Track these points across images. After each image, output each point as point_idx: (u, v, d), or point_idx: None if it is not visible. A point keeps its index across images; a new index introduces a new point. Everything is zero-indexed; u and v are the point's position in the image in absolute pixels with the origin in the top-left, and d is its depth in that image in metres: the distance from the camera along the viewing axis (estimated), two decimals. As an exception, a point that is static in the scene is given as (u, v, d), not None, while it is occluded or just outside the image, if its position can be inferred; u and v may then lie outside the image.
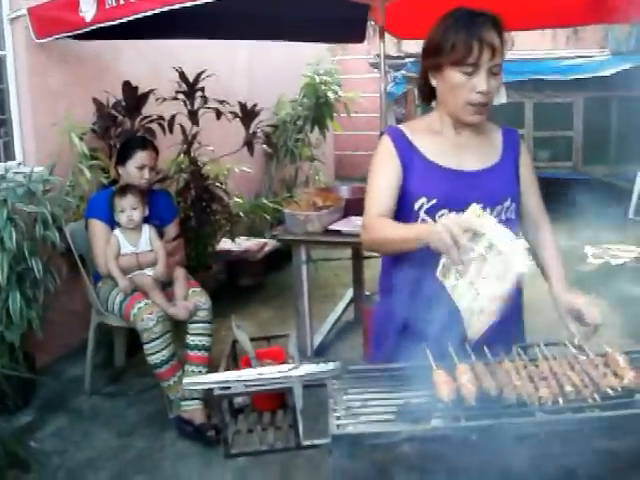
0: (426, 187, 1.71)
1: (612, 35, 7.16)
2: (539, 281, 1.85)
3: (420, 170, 1.75)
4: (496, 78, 1.68)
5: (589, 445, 1.31)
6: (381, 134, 1.85)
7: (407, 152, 1.77)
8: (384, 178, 1.77)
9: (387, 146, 1.79)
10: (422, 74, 1.79)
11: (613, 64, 6.85)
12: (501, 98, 7.31)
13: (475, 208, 1.47)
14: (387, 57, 5.26)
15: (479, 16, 1.66)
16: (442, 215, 1.68)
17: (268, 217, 5.47)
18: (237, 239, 5.02)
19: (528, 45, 7.02)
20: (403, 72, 7.23)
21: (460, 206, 1.64)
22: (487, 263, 1.42)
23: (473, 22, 1.64)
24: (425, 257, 1.55)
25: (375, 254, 1.88)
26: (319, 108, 6.29)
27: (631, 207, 6.94)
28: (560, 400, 1.34)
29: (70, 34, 3.56)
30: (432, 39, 1.73)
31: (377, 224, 1.71)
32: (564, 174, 7.67)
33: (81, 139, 3.77)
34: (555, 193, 6.76)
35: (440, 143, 1.79)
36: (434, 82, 1.75)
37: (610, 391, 1.36)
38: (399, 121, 7.28)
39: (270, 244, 5.29)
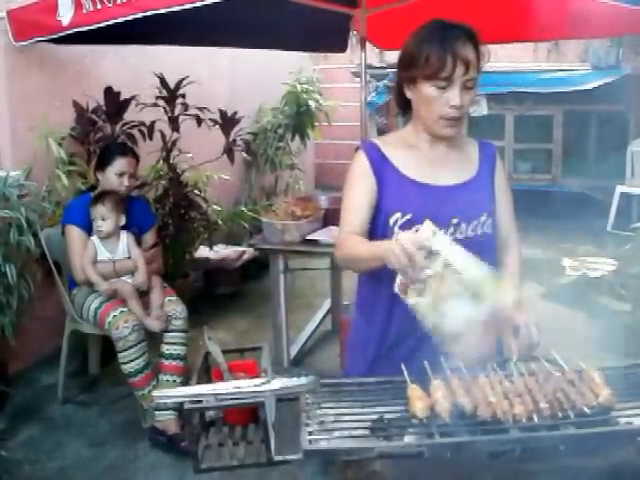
0: (400, 202, 1.71)
1: (592, 49, 7.21)
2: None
3: (394, 185, 1.75)
4: (470, 92, 1.67)
5: (564, 463, 1.31)
6: (356, 149, 1.84)
7: (381, 167, 1.76)
8: (358, 195, 1.77)
9: (362, 162, 1.78)
10: (397, 86, 1.78)
11: (593, 78, 6.91)
12: (482, 110, 7.39)
13: (429, 224, 1.46)
14: (369, 67, 5.28)
15: (454, 29, 1.65)
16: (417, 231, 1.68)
17: (247, 225, 5.44)
18: (215, 247, 4.99)
19: (509, 58, 7.09)
20: (385, 82, 7.23)
21: (435, 221, 1.63)
22: (444, 282, 1.41)
23: (447, 35, 1.63)
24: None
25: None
26: (300, 116, 6.28)
27: (609, 220, 6.99)
28: (535, 417, 1.33)
29: (48, 38, 3.52)
30: (406, 51, 1.72)
31: (347, 242, 1.70)
32: (543, 186, 7.72)
33: (60, 144, 3.72)
34: (534, 205, 6.81)
35: (415, 157, 1.79)
36: (409, 94, 1.74)
37: (585, 408, 1.35)
38: (381, 131, 7.30)
39: (248, 252, 5.26)
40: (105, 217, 3.22)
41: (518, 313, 1.63)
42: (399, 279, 1.50)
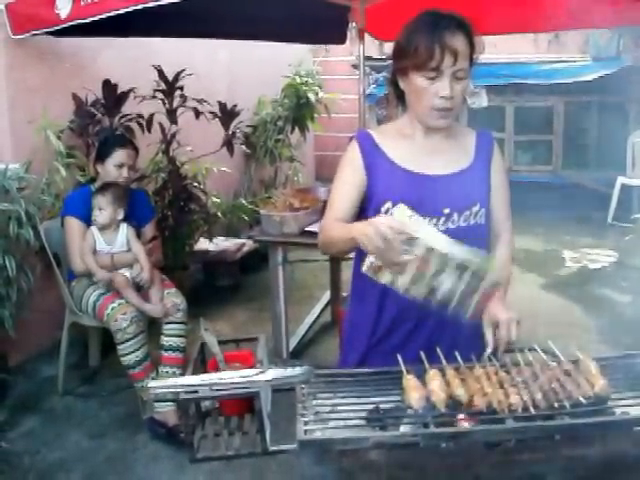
0: (391, 191, 1.70)
1: (593, 40, 7.20)
2: (511, 288, 1.85)
3: (386, 174, 1.74)
4: (461, 82, 1.66)
5: (559, 452, 1.31)
6: (351, 139, 1.83)
7: (374, 157, 1.76)
8: (345, 184, 1.78)
9: (353, 152, 1.79)
10: (392, 77, 1.78)
11: (594, 69, 6.89)
12: (482, 102, 7.36)
13: (403, 209, 1.45)
14: (369, 59, 5.28)
15: (443, 19, 1.64)
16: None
17: (246, 217, 5.44)
18: (215, 239, 4.99)
19: (509, 49, 7.06)
20: (385, 74, 7.21)
21: (426, 210, 1.64)
22: (429, 264, 1.41)
23: (436, 25, 1.63)
24: None
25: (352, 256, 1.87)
26: (300, 109, 6.27)
27: (610, 212, 6.99)
28: (531, 407, 1.33)
29: (46, 31, 3.51)
30: (398, 42, 1.72)
31: (327, 226, 1.73)
32: (544, 178, 7.72)
33: (58, 137, 3.72)
34: (534, 197, 6.82)
35: (409, 147, 1.78)
36: (402, 85, 1.74)
37: (581, 398, 1.36)
38: (380, 123, 7.28)
39: (248, 245, 5.26)
40: (102, 208, 3.22)
41: (501, 310, 1.63)
42: (369, 260, 1.50)
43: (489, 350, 1.58)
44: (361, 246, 1.47)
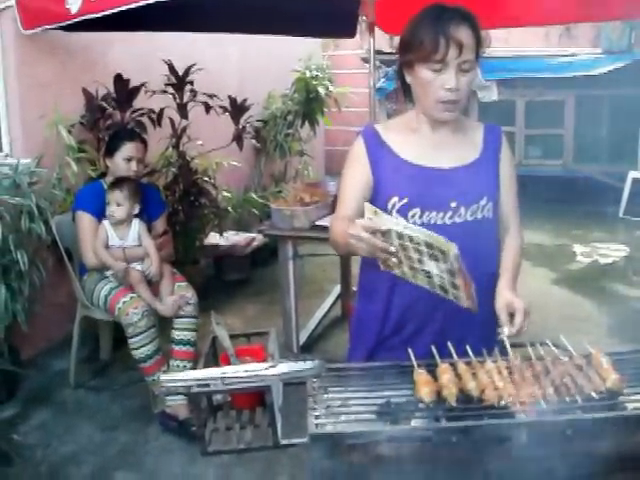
0: (397, 186, 1.70)
1: (605, 33, 7.15)
2: (522, 282, 1.85)
3: (391, 169, 1.74)
4: (466, 75, 1.65)
5: (571, 447, 1.30)
6: (357, 134, 1.83)
7: (379, 152, 1.76)
8: (351, 181, 1.78)
9: (358, 148, 1.79)
10: (399, 70, 1.78)
11: (605, 62, 6.85)
12: (492, 95, 7.33)
13: (368, 207, 1.47)
14: (379, 53, 5.25)
15: (448, 12, 1.64)
16: (414, 215, 1.68)
17: (256, 212, 5.45)
18: (225, 233, 5.00)
19: (520, 43, 7.03)
20: (395, 67, 7.20)
21: (433, 204, 1.64)
22: (409, 251, 1.43)
23: (440, 18, 1.62)
24: None
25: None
26: (310, 103, 6.26)
27: (621, 206, 6.96)
28: (542, 402, 1.33)
29: (57, 26, 3.52)
30: (404, 35, 1.72)
31: (334, 225, 1.73)
32: (554, 172, 7.69)
33: (69, 132, 3.74)
34: (545, 191, 6.79)
35: (416, 141, 1.78)
36: (408, 79, 1.74)
37: (593, 393, 1.35)
38: (390, 117, 7.27)
39: (258, 239, 5.26)
40: (120, 203, 3.23)
41: (517, 299, 1.64)
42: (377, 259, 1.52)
43: (506, 332, 1.59)
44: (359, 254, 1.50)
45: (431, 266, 1.43)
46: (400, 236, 1.41)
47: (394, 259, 1.46)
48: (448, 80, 1.63)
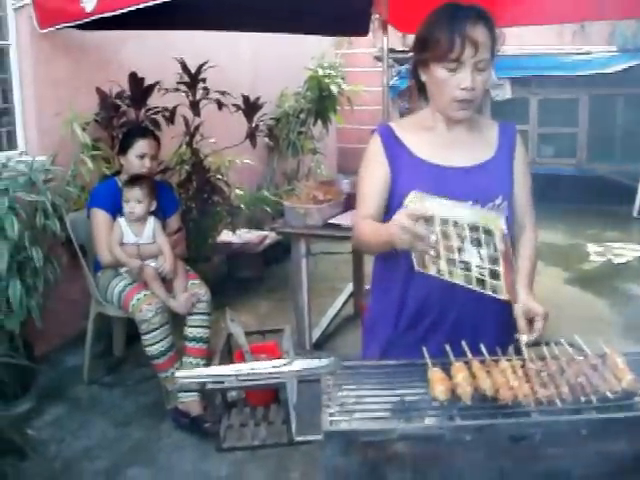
0: (414, 184, 1.69)
1: (619, 32, 7.10)
2: (535, 281, 1.84)
3: (408, 168, 1.74)
4: (482, 74, 1.64)
5: (585, 447, 1.30)
6: (372, 132, 1.83)
7: (395, 150, 1.76)
8: (371, 179, 1.77)
9: (375, 146, 1.79)
10: (413, 69, 1.78)
11: (619, 61, 6.81)
12: (505, 94, 7.30)
13: (412, 195, 1.45)
14: (392, 51, 5.25)
15: (463, 10, 1.63)
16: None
17: (269, 210, 5.46)
18: (238, 231, 5.02)
19: (534, 41, 6.99)
20: (408, 66, 7.19)
21: None
22: (451, 238, 1.41)
23: (456, 17, 1.62)
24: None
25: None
26: (322, 101, 6.26)
27: (635, 205, 6.91)
28: (557, 401, 1.33)
29: (72, 24, 3.54)
30: (419, 34, 1.72)
31: (361, 226, 1.71)
32: (568, 171, 7.65)
33: (84, 129, 3.76)
34: (558, 190, 6.75)
35: (431, 140, 1.78)
36: (423, 77, 1.74)
37: (608, 393, 1.35)
38: (403, 115, 7.25)
39: (270, 237, 5.28)
40: (140, 200, 3.25)
41: (536, 305, 1.65)
42: (414, 256, 1.50)
43: (525, 340, 1.58)
44: (398, 247, 1.46)
45: (472, 254, 1.40)
46: (444, 221, 1.39)
47: (432, 252, 1.44)
48: (464, 79, 1.62)
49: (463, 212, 1.38)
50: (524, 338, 1.59)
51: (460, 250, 1.42)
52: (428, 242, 1.41)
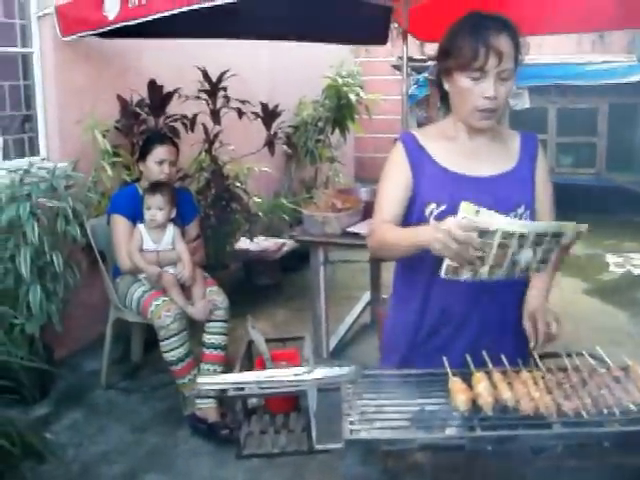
0: (436, 193, 1.70)
1: (638, 41, 7.06)
2: (553, 292, 1.83)
3: (430, 176, 1.74)
4: (505, 83, 1.64)
5: (607, 460, 1.29)
6: (395, 140, 1.84)
7: (418, 158, 1.76)
8: (393, 185, 1.77)
9: (399, 153, 1.78)
10: (437, 78, 1.78)
11: (639, 70, 6.76)
12: (524, 103, 7.26)
13: (468, 206, 1.42)
14: (410, 60, 5.24)
15: (488, 20, 1.64)
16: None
17: (287, 217, 5.47)
18: (255, 239, 5.03)
19: (553, 50, 6.96)
20: (426, 75, 7.19)
21: None
22: (509, 247, 1.40)
23: (480, 26, 1.62)
24: (436, 262, 1.52)
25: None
26: (340, 110, 6.28)
27: (655, 216, 6.85)
28: (580, 413, 1.32)
29: (94, 32, 3.58)
30: (443, 43, 1.72)
31: (380, 229, 1.71)
32: (587, 181, 7.58)
33: (104, 136, 3.80)
34: (577, 200, 6.70)
35: (453, 149, 1.78)
36: (446, 86, 1.74)
37: (631, 405, 1.34)
38: (421, 124, 7.24)
39: (288, 244, 5.28)
40: (161, 207, 3.27)
41: (540, 308, 1.69)
42: (445, 264, 1.47)
43: (531, 345, 1.62)
44: (433, 252, 1.45)
45: (527, 253, 1.41)
46: (508, 234, 1.38)
47: (478, 262, 1.43)
48: (487, 89, 1.62)
49: (538, 225, 1.41)
50: (531, 344, 1.62)
51: (514, 253, 1.42)
52: (475, 254, 1.41)
